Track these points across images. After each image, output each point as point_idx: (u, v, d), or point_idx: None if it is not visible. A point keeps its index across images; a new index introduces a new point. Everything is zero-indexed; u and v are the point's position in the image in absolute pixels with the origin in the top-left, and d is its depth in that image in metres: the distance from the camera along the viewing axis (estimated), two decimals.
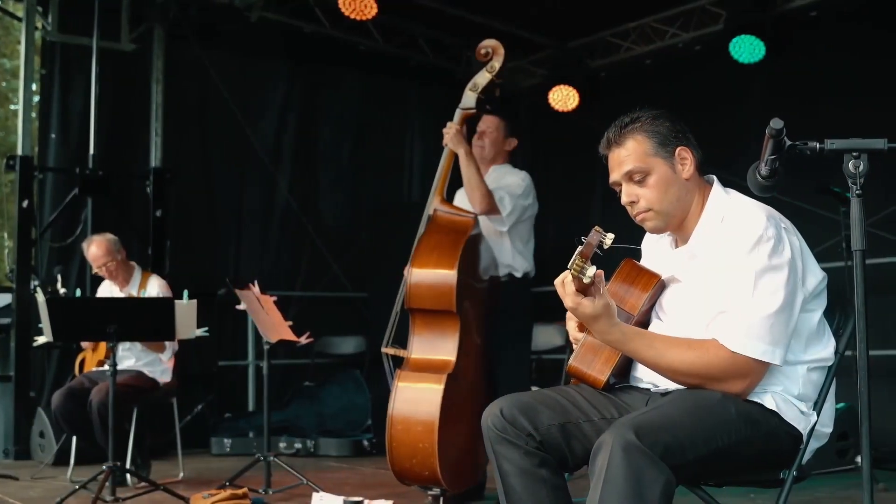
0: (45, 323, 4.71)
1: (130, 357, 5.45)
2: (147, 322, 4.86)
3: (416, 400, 4.05)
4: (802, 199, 5.15)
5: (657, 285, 2.46)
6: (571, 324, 2.49)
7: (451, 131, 4.47)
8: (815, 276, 2.31)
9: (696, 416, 2.15)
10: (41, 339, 5.35)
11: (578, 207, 8.08)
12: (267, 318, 4.94)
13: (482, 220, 4.49)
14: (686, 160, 2.39)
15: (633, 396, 2.43)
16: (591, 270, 2.09)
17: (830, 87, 6.46)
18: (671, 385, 2.33)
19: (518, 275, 4.65)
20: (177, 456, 5.60)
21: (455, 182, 4.58)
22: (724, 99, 7.13)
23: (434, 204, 4.43)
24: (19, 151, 6.80)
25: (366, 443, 6.79)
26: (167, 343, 5.36)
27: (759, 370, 2.22)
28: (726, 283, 2.25)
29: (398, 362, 4.27)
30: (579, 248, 2.08)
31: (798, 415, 2.29)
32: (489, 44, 4.51)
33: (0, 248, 10.06)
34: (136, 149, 7.43)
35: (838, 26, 6.61)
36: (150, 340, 5.26)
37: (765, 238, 2.21)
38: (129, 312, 4.85)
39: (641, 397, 2.41)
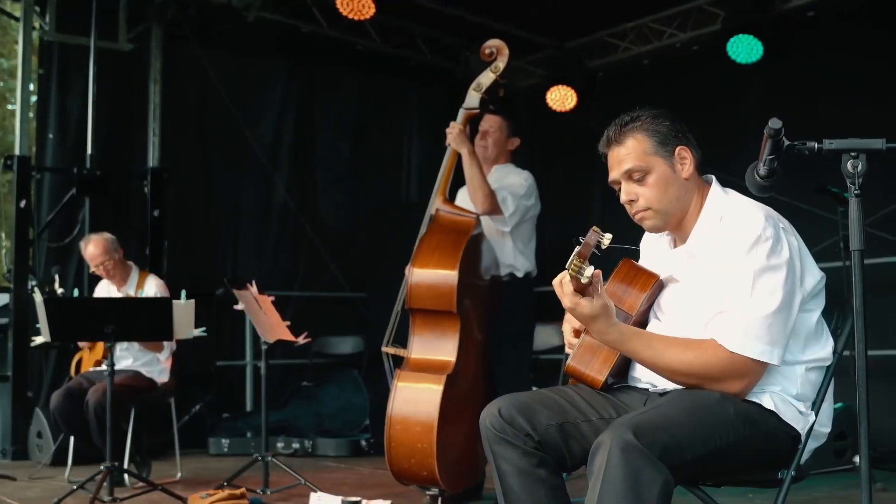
0: (43, 323, 4.71)
1: (128, 357, 5.45)
2: (145, 322, 4.86)
3: (415, 400, 4.05)
4: (800, 199, 5.14)
5: (655, 285, 2.46)
6: (567, 327, 2.49)
7: (454, 131, 4.47)
8: (814, 276, 2.32)
9: (695, 416, 2.15)
10: (39, 340, 5.35)
11: (577, 207, 8.08)
12: (265, 318, 4.94)
13: (484, 219, 4.49)
14: (686, 160, 2.39)
15: (632, 396, 2.43)
16: (589, 270, 2.09)
17: (828, 88, 6.46)
18: (669, 385, 2.34)
19: (520, 274, 4.65)
20: (174, 456, 5.60)
21: (457, 182, 4.58)
22: (722, 99, 7.13)
23: (436, 203, 4.42)
24: (17, 151, 6.79)
25: (364, 443, 6.79)
26: (165, 343, 5.36)
27: (757, 370, 2.22)
28: (724, 282, 2.26)
29: (398, 362, 4.26)
30: (577, 248, 2.08)
31: (796, 415, 2.29)
32: (494, 44, 4.51)
33: None
34: (134, 149, 7.42)
35: (836, 26, 6.62)
36: (147, 340, 5.26)
37: (763, 238, 2.22)
38: (127, 312, 4.84)
39: (640, 397, 2.41)
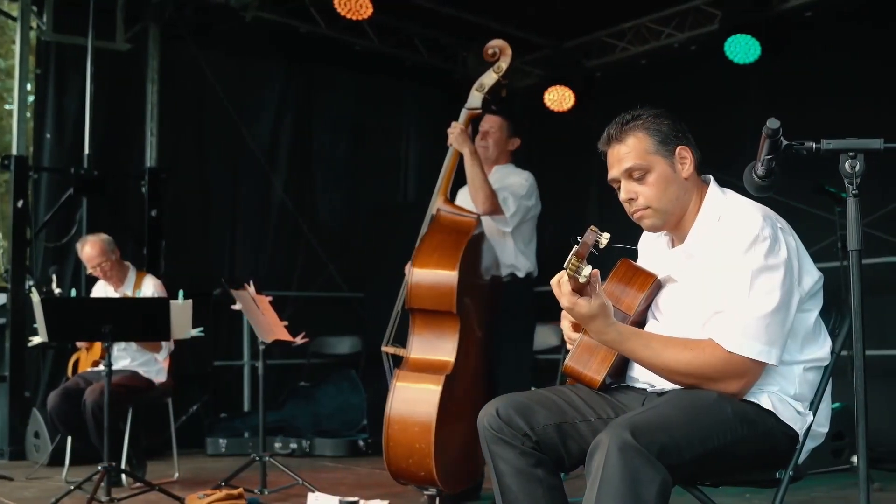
0: (40, 323, 4.70)
1: (126, 357, 5.44)
2: (142, 322, 4.85)
3: (413, 400, 4.05)
4: (798, 199, 5.15)
5: (653, 285, 2.46)
6: (566, 322, 2.48)
7: (455, 131, 4.46)
8: (812, 276, 2.32)
9: (693, 415, 2.15)
10: (36, 340, 5.35)
11: (574, 207, 8.08)
12: (262, 318, 4.93)
13: (485, 219, 4.48)
14: (686, 159, 2.39)
15: (630, 396, 2.43)
16: (587, 270, 2.09)
17: (826, 87, 6.47)
18: (667, 385, 2.33)
19: (521, 275, 4.63)
20: (172, 456, 5.60)
21: (457, 182, 4.57)
22: (720, 99, 7.14)
23: (437, 203, 4.41)
24: (14, 151, 6.79)
25: (361, 443, 6.78)
26: (164, 343, 5.35)
27: (755, 370, 2.22)
28: (722, 282, 2.25)
29: (398, 361, 4.26)
30: (575, 248, 2.07)
31: (794, 415, 2.29)
32: (497, 44, 4.50)
33: None
34: (132, 149, 7.42)
35: (834, 26, 6.62)
36: (145, 341, 5.25)
37: (761, 238, 2.22)
38: (125, 312, 4.84)
39: (637, 397, 2.41)
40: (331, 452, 6.73)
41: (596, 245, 2.09)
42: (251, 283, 4.93)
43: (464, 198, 4.63)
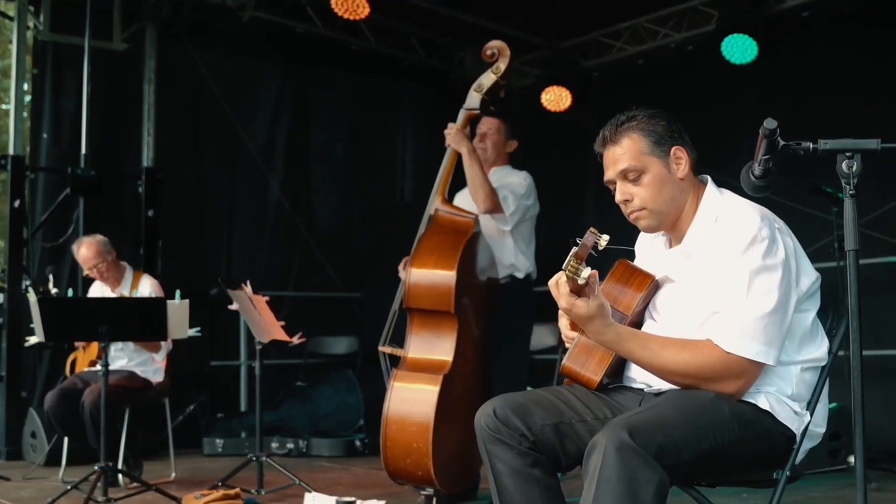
0: (37, 323, 4.70)
1: (123, 357, 5.43)
2: (139, 322, 4.85)
3: (411, 400, 4.05)
4: (795, 199, 5.15)
5: (651, 285, 2.46)
6: (563, 321, 2.48)
7: (451, 131, 4.45)
8: (809, 276, 2.32)
9: (690, 416, 2.15)
10: (33, 340, 5.34)
11: (571, 208, 8.08)
12: (259, 318, 4.93)
13: (485, 219, 4.48)
14: (681, 160, 2.39)
15: (627, 397, 2.43)
16: (586, 272, 2.08)
17: (823, 88, 6.47)
18: (665, 385, 2.33)
19: (520, 275, 4.63)
20: (169, 456, 5.59)
21: (455, 184, 4.57)
22: (717, 99, 7.14)
23: (435, 204, 4.41)
24: (11, 151, 6.78)
25: (358, 443, 6.78)
26: (162, 343, 5.35)
27: (753, 370, 2.22)
28: (720, 283, 2.25)
29: (394, 361, 4.26)
30: (574, 250, 2.07)
31: (791, 415, 2.29)
32: (495, 45, 4.49)
33: None
34: (128, 148, 7.42)
35: (830, 26, 6.63)
36: (142, 341, 5.24)
37: (759, 238, 2.22)
38: (122, 312, 4.84)
39: (635, 397, 2.41)
40: (327, 452, 6.73)
41: (595, 247, 2.09)
42: (248, 282, 4.93)
43: (463, 199, 4.63)
